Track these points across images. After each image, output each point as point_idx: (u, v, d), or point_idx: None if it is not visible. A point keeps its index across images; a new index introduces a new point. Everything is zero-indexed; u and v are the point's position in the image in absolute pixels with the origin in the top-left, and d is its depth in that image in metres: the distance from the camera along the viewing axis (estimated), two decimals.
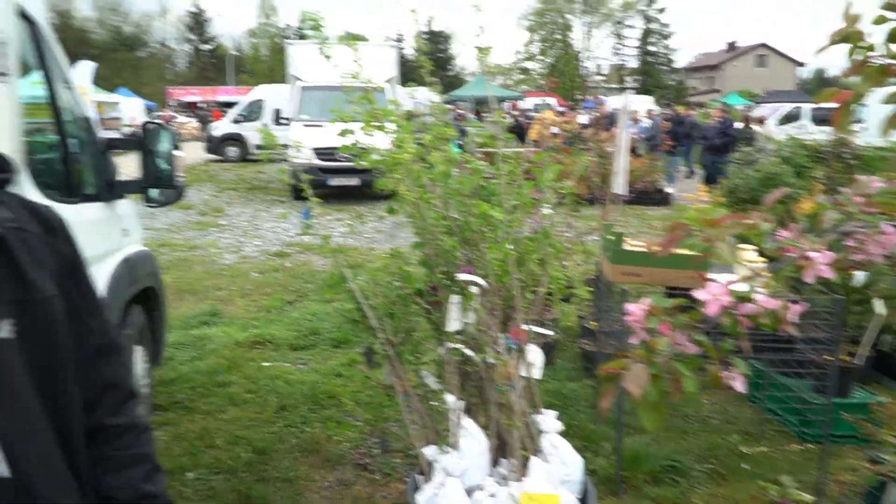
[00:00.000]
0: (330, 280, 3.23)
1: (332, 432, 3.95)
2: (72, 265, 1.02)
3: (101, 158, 3.17)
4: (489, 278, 2.59)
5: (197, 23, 63.13)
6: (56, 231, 1.01)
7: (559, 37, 53.91)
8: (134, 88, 37.29)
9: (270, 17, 62.50)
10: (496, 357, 2.59)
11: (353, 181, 13.00)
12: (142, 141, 3.24)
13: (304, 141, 11.52)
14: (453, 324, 2.55)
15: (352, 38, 2.77)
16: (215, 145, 22.31)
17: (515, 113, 24.31)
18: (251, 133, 22.08)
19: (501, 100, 27.36)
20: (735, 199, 6.54)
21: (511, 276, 2.66)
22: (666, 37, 55.93)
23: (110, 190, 3.24)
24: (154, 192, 3.39)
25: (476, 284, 2.53)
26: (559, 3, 53.48)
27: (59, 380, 0.96)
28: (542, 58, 54.26)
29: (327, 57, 2.52)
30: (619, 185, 4.89)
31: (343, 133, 2.59)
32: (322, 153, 12.45)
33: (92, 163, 3.14)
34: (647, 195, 13.26)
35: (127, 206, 3.56)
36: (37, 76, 2.72)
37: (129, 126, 23.12)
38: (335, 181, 13.02)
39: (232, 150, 22.02)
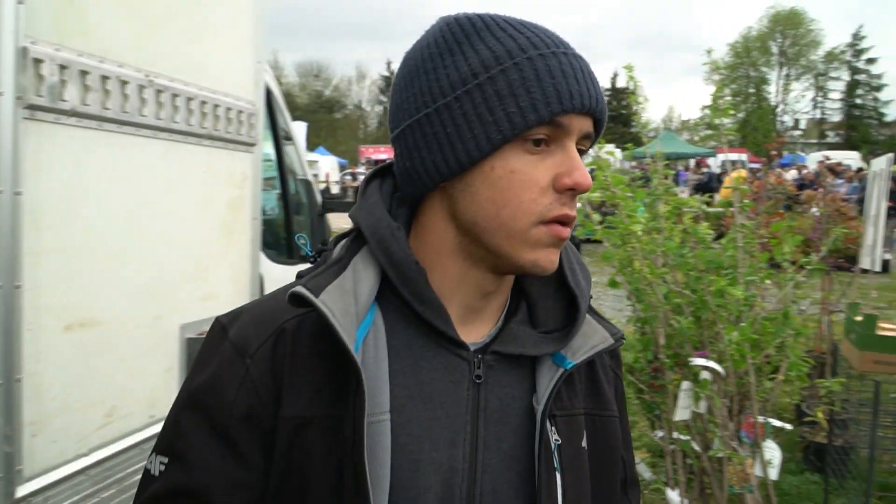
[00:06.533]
0: None
1: None
2: (623, 392, 1.01)
3: (318, 220, 3.27)
4: (725, 363, 2.30)
5: (388, 85, 67.32)
6: (618, 355, 1.00)
7: (752, 90, 51.28)
8: (329, 147, 40.13)
9: None
10: (731, 453, 2.27)
11: None
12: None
13: None
14: (682, 412, 2.28)
15: None
16: None
17: (705, 170, 23.20)
18: None
19: (688, 156, 26.28)
20: None
21: (747, 360, 2.35)
22: (876, 88, 51.24)
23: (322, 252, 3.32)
24: None
25: (711, 370, 2.25)
26: (753, 57, 51.05)
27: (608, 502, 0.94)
28: (733, 112, 51.79)
29: None
30: (872, 260, 4.26)
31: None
32: None
33: (310, 224, 3.24)
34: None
35: None
36: (269, 141, 2.86)
37: (323, 182, 24.74)
38: None
39: None
